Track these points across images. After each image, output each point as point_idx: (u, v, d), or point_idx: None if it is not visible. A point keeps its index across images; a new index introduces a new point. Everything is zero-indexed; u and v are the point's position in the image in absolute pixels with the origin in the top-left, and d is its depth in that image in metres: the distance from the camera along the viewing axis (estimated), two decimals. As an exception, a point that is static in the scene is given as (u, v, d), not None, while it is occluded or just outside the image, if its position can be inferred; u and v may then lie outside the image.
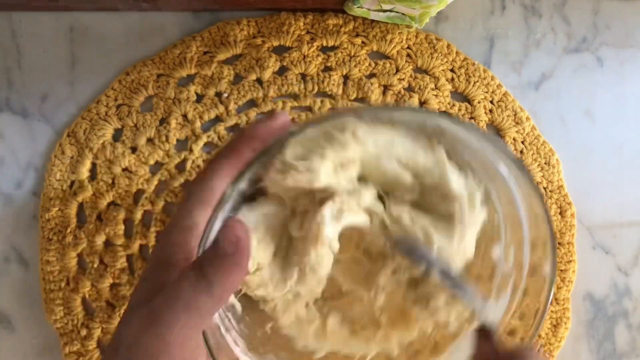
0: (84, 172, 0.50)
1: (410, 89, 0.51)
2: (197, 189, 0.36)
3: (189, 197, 0.37)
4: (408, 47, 0.51)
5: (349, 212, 0.37)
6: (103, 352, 0.50)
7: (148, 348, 0.29)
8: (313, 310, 0.42)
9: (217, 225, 0.33)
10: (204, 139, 0.50)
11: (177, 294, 0.30)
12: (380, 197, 0.39)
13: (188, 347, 0.30)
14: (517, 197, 0.37)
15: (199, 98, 0.50)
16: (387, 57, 0.51)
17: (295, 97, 0.51)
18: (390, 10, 0.48)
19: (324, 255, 0.38)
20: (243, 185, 0.34)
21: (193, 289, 0.30)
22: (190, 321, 0.30)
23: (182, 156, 0.50)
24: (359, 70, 0.51)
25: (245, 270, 0.31)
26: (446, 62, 0.51)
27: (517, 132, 0.51)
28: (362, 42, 0.51)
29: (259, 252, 0.38)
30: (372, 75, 0.51)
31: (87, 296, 0.50)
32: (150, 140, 0.50)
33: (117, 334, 0.32)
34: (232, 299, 0.40)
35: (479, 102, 0.51)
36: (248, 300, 0.41)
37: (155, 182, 0.50)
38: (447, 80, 0.51)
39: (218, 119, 0.51)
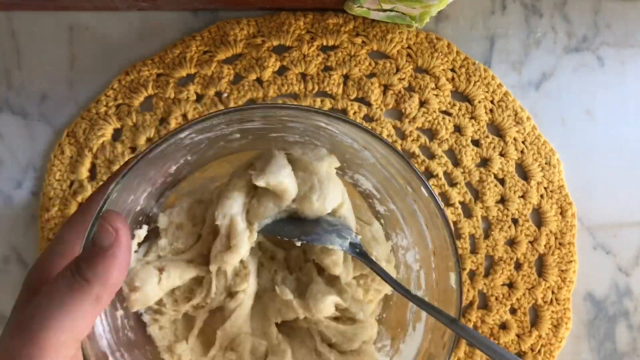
0: (84, 172, 0.50)
1: (410, 88, 0.51)
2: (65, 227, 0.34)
3: (75, 213, 0.35)
4: (408, 47, 0.51)
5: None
6: None
7: (18, 354, 0.26)
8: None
9: None
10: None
11: (51, 295, 0.27)
12: None
13: (65, 351, 0.27)
14: (413, 204, 0.38)
15: (199, 98, 0.50)
16: (387, 57, 0.51)
17: (295, 96, 0.51)
18: (391, 10, 0.48)
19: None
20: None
21: (69, 289, 0.27)
22: (65, 324, 0.26)
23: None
24: (359, 69, 0.51)
25: (126, 264, 0.28)
26: (446, 61, 0.51)
27: (517, 132, 0.51)
28: (362, 41, 0.51)
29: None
30: (372, 75, 0.51)
31: (86, 296, 0.50)
32: (149, 140, 0.50)
33: None
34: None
35: (479, 102, 0.51)
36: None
37: (155, 182, 0.50)
38: (447, 79, 0.51)
39: (218, 119, 0.50)
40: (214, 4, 0.50)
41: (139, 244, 0.38)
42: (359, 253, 0.38)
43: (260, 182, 0.36)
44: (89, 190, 0.49)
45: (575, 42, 0.52)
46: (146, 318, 0.40)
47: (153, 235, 0.40)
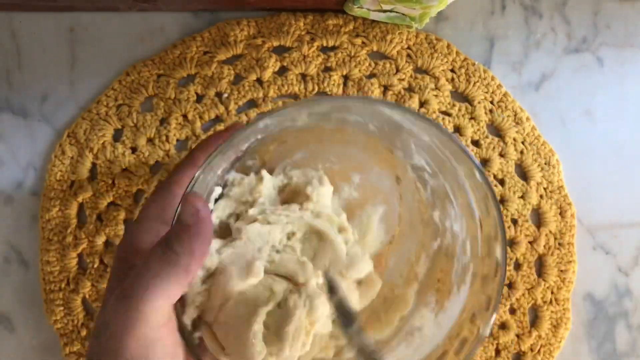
0: (84, 172, 0.50)
1: (410, 89, 0.51)
2: (161, 190, 0.40)
3: (154, 194, 0.40)
4: (408, 47, 0.51)
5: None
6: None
7: (125, 320, 0.31)
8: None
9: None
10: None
11: (146, 268, 0.32)
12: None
13: (162, 314, 0.32)
14: (465, 183, 0.39)
15: (199, 98, 0.50)
16: (387, 57, 0.51)
17: (295, 97, 0.51)
18: (391, 11, 0.48)
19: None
20: (213, 174, 0.37)
21: (160, 262, 0.32)
22: (160, 291, 0.31)
23: (183, 156, 0.50)
24: (359, 70, 0.51)
25: (208, 238, 0.33)
26: (446, 62, 0.51)
27: (517, 132, 0.51)
28: (362, 42, 0.51)
29: None
30: (372, 76, 0.51)
31: (87, 296, 0.50)
32: (150, 141, 0.50)
33: (97, 320, 0.34)
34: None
35: (479, 103, 0.51)
36: None
37: (155, 182, 0.50)
38: (447, 80, 0.51)
39: (218, 119, 0.51)
40: (214, 5, 0.50)
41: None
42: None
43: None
44: (89, 190, 0.50)
45: (575, 43, 0.52)
46: None
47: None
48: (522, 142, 0.51)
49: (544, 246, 0.51)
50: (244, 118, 0.50)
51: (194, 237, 0.32)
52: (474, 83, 0.51)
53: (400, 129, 0.39)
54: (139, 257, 0.35)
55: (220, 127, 0.50)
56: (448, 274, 0.42)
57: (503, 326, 0.51)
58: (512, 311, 0.51)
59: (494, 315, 0.37)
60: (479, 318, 0.38)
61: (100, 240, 0.50)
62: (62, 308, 0.50)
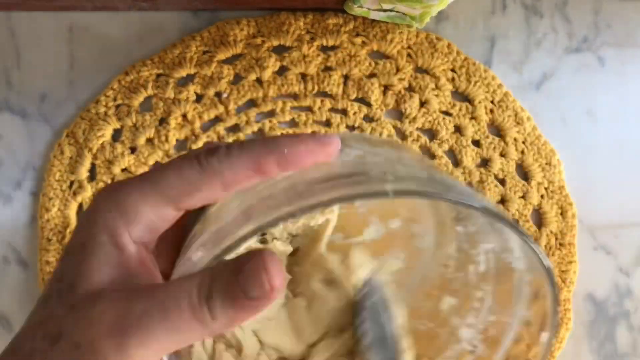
0: (84, 172, 0.50)
1: (410, 88, 0.51)
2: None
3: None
4: (408, 47, 0.51)
5: None
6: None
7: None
8: None
9: (241, 232, 0.24)
10: (204, 139, 0.50)
11: (167, 311, 0.23)
12: None
13: None
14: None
15: (199, 98, 0.50)
16: (387, 57, 0.51)
17: (295, 97, 0.51)
18: (391, 10, 0.48)
19: None
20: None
21: (190, 315, 0.23)
22: (168, 347, 0.23)
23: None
24: (359, 70, 0.51)
25: (253, 318, 0.24)
26: (447, 61, 0.51)
27: (518, 132, 0.51)
28: (363, 41, 0.51)
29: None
30: (372, 75, 0.51)
31: (86, 297, 0.50)
32: (149, 141, 0.50)
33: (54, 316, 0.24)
34: None
35: (479, 102, 0.51)
36: None
37: (154, 182, 0.50)
38: (447, 80, 0.51)
39: (218, 119, 0.50)
40: (214, 4, 0.50)
41: None
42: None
43: None
44: (89, 190, 0.49)
45: (575, 43, 0.52)
46: None
47: None
48: (523, 142, 0.51)
49: (545, 246, 0.51)
50: (243, 118, 0.50)
51: (249, 312, 0.23)
52: (475, 83, 0.51)
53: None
54: (112, 238, 0.25)
55: (220, 127, 0.50)
56: None
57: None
58: (513, 312, 0.51)
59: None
60: None
61: (99, 241, 0.49)
62: (61, 308, 0.49)
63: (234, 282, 0.23)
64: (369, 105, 0.51)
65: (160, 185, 0.26)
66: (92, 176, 0.50)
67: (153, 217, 0.26)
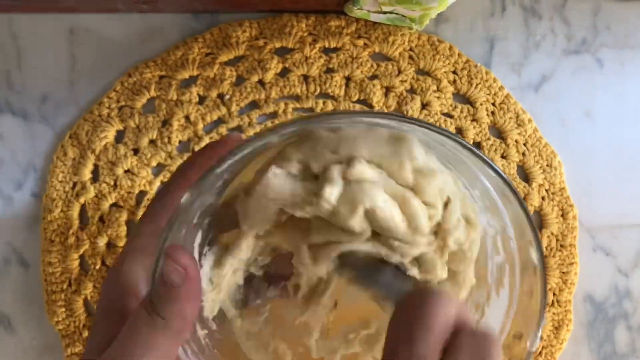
0: (86, 173, 0.50)
1: (412, 90, 0.51)
2: (143, 223, 0.34)
3: (137, 230, 0.35)
4: (410, 49, 0.51)
5: None
6: None
7: None
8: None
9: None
10: (207, 140, 0.50)
11: (134, 338, 0.28)
12: None
13: None
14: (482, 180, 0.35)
15: (201, 100, 0.50)
16: (389, 59, 0.51)
17: (297, 98, 0.51)
18: (391, 12, 0.48)
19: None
20: (198, 202, 0.30)
21: (148, 329, 0.28)
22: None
23: (185, 158, 0.50)
24: (361, 71, 0.51)
25: (199, 297, 0.29)
26: (448, 64, 0.51)
27: (519, 134, 0.51)
28: (364, 43, 0.51)
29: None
30: (374, 77, 0.51)
31: (89, 298, 0.50)
32: (152, 142, 0.50)
33: None
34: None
35: (481, 104, 0.51)
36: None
37: (157, 183, 0.50)
38: (449, 82, 0.51)
39: (220, 121, 0.50)
40: (215, 6, 0.50)
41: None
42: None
43: None
44: (91, 192, 0.49)
45: (574, 44, 0.53)
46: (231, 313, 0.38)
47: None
48: (524, 144, 0.51)
49: (546, 248, 0.51)
50: (246, 120, 0.50)
51: (184, 299, 0.28)
52: (476, 85, 0.51)
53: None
54: (123, 320, 0.30)
55: (223, 129, 0.50)
56: (484, 277, 0.38)
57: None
58: (513, 312, 0.51)
59: (543, 320, 0.33)
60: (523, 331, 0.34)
61: (102, 242, 0.49)
62: (64, 309, 0.50)
63: (163, 284, 0.27)
64: (370, 106, 0.51)
65: None
66: (95, 177, 0.50)
67: None
